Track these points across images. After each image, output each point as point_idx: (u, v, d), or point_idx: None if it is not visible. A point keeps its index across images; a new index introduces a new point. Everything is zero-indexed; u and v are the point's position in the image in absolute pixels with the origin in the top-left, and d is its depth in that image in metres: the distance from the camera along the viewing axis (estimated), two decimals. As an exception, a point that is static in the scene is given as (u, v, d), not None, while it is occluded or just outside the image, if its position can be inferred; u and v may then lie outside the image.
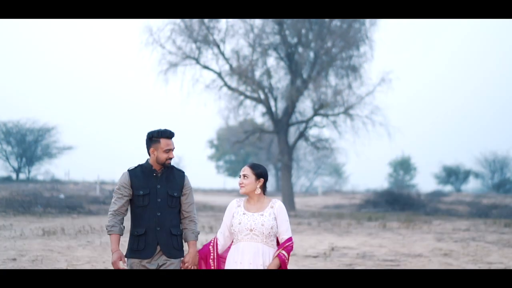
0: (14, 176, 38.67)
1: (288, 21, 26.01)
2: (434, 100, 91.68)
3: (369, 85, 26.81)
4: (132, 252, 4.70)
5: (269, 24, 26.51)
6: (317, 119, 28.23)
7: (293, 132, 30.51)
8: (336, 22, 26.19)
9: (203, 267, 4.76)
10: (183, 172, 4.89)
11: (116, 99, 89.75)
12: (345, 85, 26.60)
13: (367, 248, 12.74)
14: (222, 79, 27.00)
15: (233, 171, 52.19)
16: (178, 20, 26.06)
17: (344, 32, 25.83)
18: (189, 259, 4.74)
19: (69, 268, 9.06)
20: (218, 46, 26.49)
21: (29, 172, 39.82)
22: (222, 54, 26.63)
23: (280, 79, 27.54)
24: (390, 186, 46.04)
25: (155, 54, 26.72)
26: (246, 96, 27.27)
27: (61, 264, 9.51)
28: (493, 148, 55.95)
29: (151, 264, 4.68)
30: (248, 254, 4.58)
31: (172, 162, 4.82)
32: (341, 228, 17.19)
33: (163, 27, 26.28)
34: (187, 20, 25.89)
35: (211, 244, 4.77)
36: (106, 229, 4.69)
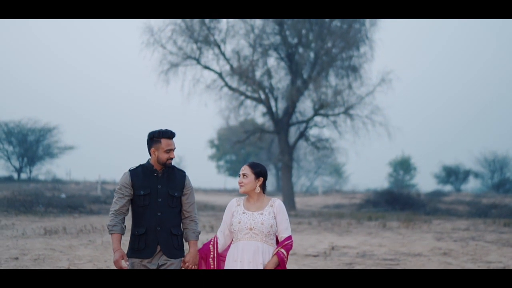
0: (15, 176, 38.75)
1: (289, 21, 26.07)
2: (434, 100, 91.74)
3: (369, 85, 26.88)
4: (133, 251, 4.72)
5: (270, 25, 26.57)
6: (318, 119, 28.29)
7: (293, 132, 30.54)
8: (336, 22, 26.23)
9: (203, 267, 4.77)
10: (184, 172, 4.90)
11: (117, 99, 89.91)
12: (345, 85, 26.66)
13: (367, 247, 12.79)
14: (223, 79, 27.06)
15: (233, 171, 52.21)
16: (179, 21, 26.12)
17: (344, 32, 25.88)
18: (189, 259, 4.75)
19: (71, 267, 9.12)
20: (219, 47, 26.55)
21: (30, 172, 39.91)
22: (223, 54, 26.69)
23: (281, 79, 27.58)
24: (390, 186, 46.07)
25: (156, 54, 26.81)
26: (247, 96, 27.33)
27: (63, 263, 9.55)
28: (492, 148, 55.93)
29: (152, 264, 4.70)
30: (248, 253, 4.60)
31: (173, 162, 4.83)
32: (341, 227, 17.23)
33: (164, 28, 26.35)
34: (188, 20, 25.95)
35: (211, 243, 4.79)
36: (108, 228, 4.71)
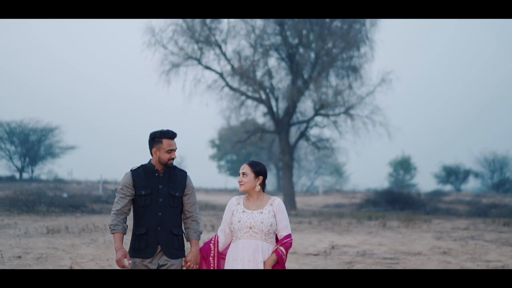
0: (17, 175, 38.86)
1: (289, 22, 26.14)
2: (434, 100, 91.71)
3: (369, 86, 26.96)
4: (134, 251, 4.73)
5: (270, 25, 26.64)
6: (318, 119, 28.37)
7: (294, 132, 30.61)
8: (337, 23, 26.30)
9: (204, 266, 4.78)
10: (185, 172, 4.90)
11: (119, 99, 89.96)
12: (345, 85, 26.74)
13: (367, 246, 12.84)
14: (224, 79, 27.14)
15: (234, 171, 52.26)
16: (180, 21, 26.20)
17: (344, 33, 25.96)
18: (191, 258, 4.75)
19: (73, 265, 9.17)
20: (220, 47, 26.63)
21: (32, 171, 40.00)
22: (224, 54, 26.77)
23: (281, 79, 27.66)
24: (390, 185, 46.10)
25: (158, 54, 26.95)
26: (248, 96, 27.40)
27: (66, 261, 9.60)
28: (492, 148, 55.96)
29: (152, 264, 4.70)
30: (248, 252, 4.60)
31: (174, 162, 4.84)
32: (342, 227, 17.27)
33: (165, 28, 26.43)
34: (189, 21, 26.03)
35: (212, 242, 4.80)
36: (109, 228, 4.72)
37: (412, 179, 51.68)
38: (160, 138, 4.74)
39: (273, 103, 27.48)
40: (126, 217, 4.76)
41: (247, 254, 4.61)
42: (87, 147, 64.99)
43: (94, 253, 10.60)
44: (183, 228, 4.90)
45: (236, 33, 26.58)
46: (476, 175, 45.02)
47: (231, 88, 27.22)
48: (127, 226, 4.77)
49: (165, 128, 4.79)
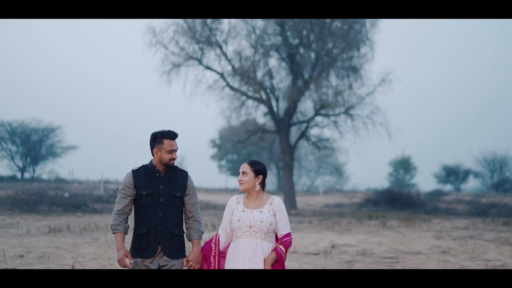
0: (19, 175, 38.95)
1: (290, 22, 26.20)
2: (434, 100, 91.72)
3: (369, 86, 27.03)
4: (135, 251, 4.74)
5: (271, 26, 26.71)
6: (318, 119, 28.44)
7: (294, 132, 30.68)
8: (337, 23, 26.37)
9: (205, 265, 4.79)
10: (187, 173, 4.91)
11: (120, 99, 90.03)
12: (345, 85, 26.80)
13: (367, 245, 12.90)
14: (225, 79, 27.21)
15: (235, 171, 52.31)
16: (181, 21, 26.27)
17: (344, 33, 26.02)
18: (193, 258, 4.74)
19: (75, 264, 9.21)
20: (221, 47, 26.70)
21: (33, 171, 40.10)
22: (225, 55, 26.84)
23: (282, 79, 27.73)
24: (391, 185, 46.10)
25: (158, 55, 27.00)
26: (248, 97, 27.47)
27: (67, 260, 9.65)
28: (492, 147, 55.94)
29: (153, 264, 4.71)
30: (248, 251, 4.61)
31: (175, 162, 4.84)
32: (342, 226, 17.31)
33: (166, 28, 26.51)
34: (190, 21, 26.11)
35: (213, 241, 4.79)
36: (111, 228, 4.73)
37: (412, 179, 51.72)
38: (161, 138, 4.75)
39: (274, 103, 27.55)
40: (127, 217, 4.79)
41: (247, 253, 4.61)
42: (88, 147, 65.06)
43: (95, 252, 10.64)
44: (184, 228, 4.91)
45: (236, 34, 26.66)
46: (476, 175, 45.04)
47: (231, 88, 27.29)
48: (128, 226, 4.79)
49: (166, 129, 4.80)
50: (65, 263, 9.39)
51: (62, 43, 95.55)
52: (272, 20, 26.22)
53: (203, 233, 4.89)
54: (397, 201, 26.49)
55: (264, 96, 27.21)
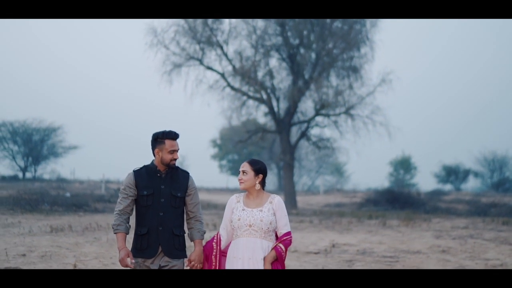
0: (20, 175, 39.02)
1: (290, 22, 26.26)
2: (434, 100, 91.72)
3: (369, 86, 27.10)
4: (136, 251, 4.75)
5: (272, 26, 26.77)
6: (319, 119, 28.51)
7: (295, 131, 30.74)
8: (337, 23, 26.44)
9: (206, 265, 4.79)
10: (188, 173, 4.91)
11: (121, 100, 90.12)
12: (346, 85, 26.87)
13: (367, 245, 12.93)
14: (225, 79, 27.28)
15: (236, 170, 52.34)
16: (182, 22, 26.35)
17: (345, 33, 26.09)
18: (195, 257, 4.75)
19: (77, 263, 9.27)
20: (221, 47, 26.77)
21: (35, 171, 40.19)
22: (225, 55, 26.91)
23: (282, 79, 27.80)
24: (391, 185, 46.11)
25: (160, 55, 27.08)
26: (249, 97, 27.54)
27: (69, 259, 9.70)
28: (492, 147, 55.95)
29: (154, 265, 4.73)
30: (248, 250, 4.62)
31: (176, 162, 4.84)
32: (342, 225, 17.34)
33: (167, 29, 26.59)
34: (190, 21, 26.18)
35: (214, 240, 4.79)
36: (112, 228, 4.74)
37: (412, 179, 51.77)
38: (162, 138, 4.76)
39: (274, 103, 27.61)
40: (129, 217, 4.80)
41: (246, 252, 4.62)
42: (89, 147, 65.17)
43: (97, 251, 10.70)
44: (186, 228, 4.91)
45: (237, 34, 26.73)
46: (476, 174, 45.07)
47: (232, 88, 27.36)
48: (129, 226, 4.80)
49: (167, 129, 4.81)
50: (67, 262, 9.45)
51: (62, 43, 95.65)
52: (272, 20, 26.28)
53: (205, 232, 4.90)
54: (397, 200, 26.54)
55: (264, 96, 27.28)
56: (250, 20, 26.51)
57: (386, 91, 26.87)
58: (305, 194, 38.51)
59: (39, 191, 23.54)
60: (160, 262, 4.73)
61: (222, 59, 27.02)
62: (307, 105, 28.42)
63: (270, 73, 27.12)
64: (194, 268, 4.76)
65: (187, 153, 52.28)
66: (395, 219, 19.55)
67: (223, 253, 4.78)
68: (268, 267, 4.60)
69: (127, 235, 4.79)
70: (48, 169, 41.75)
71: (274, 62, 27.62)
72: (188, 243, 4.96)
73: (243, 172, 4.73)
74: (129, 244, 4.79)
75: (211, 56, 27.13)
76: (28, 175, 39.56)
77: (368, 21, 26.50)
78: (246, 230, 4.64)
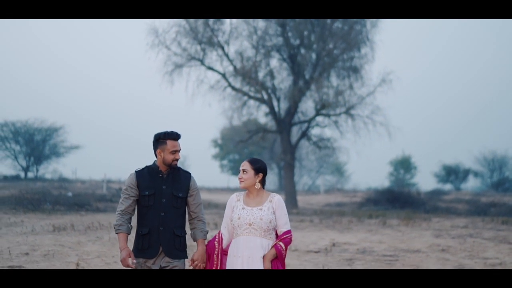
0: (22, 174, 39.13)
1: (291, 23, 26.33)
2: (434, 100, 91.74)
3: (369, 86, 27.18)
4: (138, 251, 4.75)
5: (272, 26, 26.85)
6: (319, 119, 28.58)
7: (295, 131, 30.83)
8: (338, 24, 26.52)
9: (208, 264, 4.80)
10: (190, 174, 4.91)
11: (122, 100, 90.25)
12: (346, 85, 26.94)
13: (367, 244, 12.97)
14: (226, 80, 27.35)
15: (236, 170, 52.36)
16: (183, 22, 26.42)
17: (345, 34, 26.16)
18: (198, 257, 4.75)
19: (80, 262, 9.34)
20: (223, 48, 26.85)
21: (37, 170, 40.30)
22: (226, 55, 26.99)
23: (283, 80, 27.88)
24: (391, 184, 46.19)
25: (161, 55, 27.18)
26: (250, 97, 27.61)
27: (72, 258, 9.76)
28: (492, 147, 56.06)
29: (155, 265, 4.73)
30: (247, 248, 4.62)
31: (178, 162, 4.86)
32: (342, 225, 17.37)
33: (169, 29, 26.66)
34: (192, 22, 26.26)
35: (216, 239, 4.80)
36: (114, 228, 4.74)
37: (412, 178, 51.84)
38: (164, 139, 4.77)
39: (275, 103, 27.68)
40: (130, 217, 4.81)
41: (246, 251, 4.62)
42: (91, 147, 65.34)
43: (99, 250, 10.75)
44: (189, 228, 4.94)
45: (238, 34, 26.81)
46: (476, 174, 45.13)
47: (233, 88, 27.43)
48: (131, 226, 4.81)
49: (169, 129, 4.83)
50: (69, 261, 9.51)
51: (62, 43, 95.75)
52: (273, 21, 26.35)
53: (207, 232, 4.91)
54: (397, 200, 26.59)
55: (265, 96, 27.36)
56: (251, 21, 26.58)
57: (386, 91, 26.98)
58: (305, 194, 38.57)
59: (41, 191, 23.66)
60: (161, 262, 4.74)
61: (223, 60, 27.13)
62: (307, 105, 28.53)
63: (271, 74, 27.19)
64: (197, 267, 4.77)
65: (188, 153, 52.44)
66: (395, 218, 19.57)
67: (225, 252, 4.79)
68: (268, 264, 4.61)
69: (129, 235, 4.81)
70: (50, 169, 41.94)
71: (274, 62, 27.75)
72: (190, 243, 5.00)
73: (243, 171, 4.73)
74: (130, 242, 4.82)
75: (212, 57, 27.26)
76: (30, 174, 39.69)
77: (368, 22, 26.57)
78: (246, 228, 4.65)
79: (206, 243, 4.90)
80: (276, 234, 4.77)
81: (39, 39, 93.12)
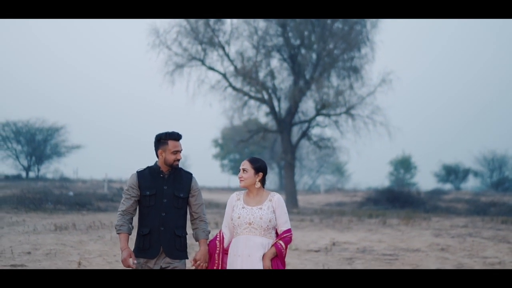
0: (24, 174, 39.19)
1: (291, 23, 26.37)
2: (434, 100, 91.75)
3: (370, 86, 27.22)
4: (139, 251, 4.77)
5: (273, 27, 26.90)
6: (320, 119, 28.62)
7: (296, 131, 30.89)
8: (338, 24, 26.56)
9: (209, 264, 4.82)
10: (191, 174, 4.92)
11: (124, 100, 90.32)
12: (346, 85, 26.98)
13: (367, 243, 12.99)
14: (227, 80, 27.40)
15: (237, 170, 52.39)
16: (184, 22, 26.47)
17: (345, 34, 26.20)
18: (200, 257, 4.77)
19: (81, 261, 9.37)
20: (223, 48, 26.89)
21: (38, 170, 40.34)
22: (227, 55, 27.04)
23: (284, 80, 27.93)
24: (391, 184, 46.22)
25: (162, 55, 27.20)
26: (250, 97, 27.66)
27: (74, 257, 9.81)
28: (492, 147, 56.15)
29: (156, 266, 4.74)
30: (247, 247, 4.62)
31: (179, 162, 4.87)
32: (342, 224, 17.37)
33: (170, 29, 26.71)
34: (192, 22, 26.30)
35: (218, 238, 4.82)
36: (115, 228, 4.75)
37: (412, 178, 51.88)
38: (165, 139, 4.79)
39: (276, 103, 27.74)
40: (131, 218, 4.82)
41: (246, 250, 4.63)
42: (92, 147, 65.41)
43: (101, 249, 10.79)
44: (191, 229, 4.95)
45: (239, 35, 26.86)
46: (476, 174, 45.15)
47: (234, 88, 27.48)
48: (132, 226, 4.81)
49: (170, 130, 4.84)
50: (71, 260, 9.55)
51: (62, 43, 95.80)
52: (274, 21, 26.40)
53: (209, 232, 4.92)
54: (397, 199, 26.62)
55: (266, 96, 27.41)
56: (251, 21, 26.63)
57: (386, 91, 27.01)
58: (306, 193, 38.60)
59: (43, 190, 23.70)
60: (162, 263, 4.75)
61: (224, 60, 27.18)
62: (308, 105, 28.58)
63: (271, 74, 27.24)
64: (199, 267, 4.78)
65: (189, 153, 52.55)
66: (395, 218, 19.58)
67: (226, 251, 4.80)
68: (268, 263, 4.62)
69: (130, 235, 4.82)
70: (51, 169, 42.01)
71: (275, 62, 27.79)
72: (191, 242, 5.04)
73: (243, 170, 4.74)
74: (131, 241, 4.81)
75: (213, 57, 27.31)
76: (32, 174, 39.74)
77: (369, 22, 26.61)
78: (246, 228, 4.66)
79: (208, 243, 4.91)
80: (276, 233, 4.78)
81: (39, 39, 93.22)
